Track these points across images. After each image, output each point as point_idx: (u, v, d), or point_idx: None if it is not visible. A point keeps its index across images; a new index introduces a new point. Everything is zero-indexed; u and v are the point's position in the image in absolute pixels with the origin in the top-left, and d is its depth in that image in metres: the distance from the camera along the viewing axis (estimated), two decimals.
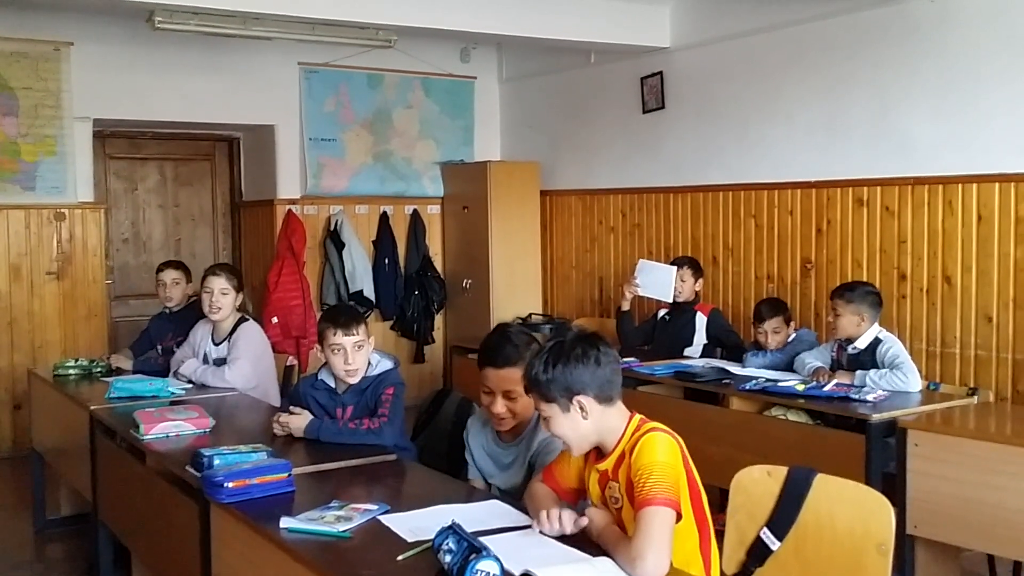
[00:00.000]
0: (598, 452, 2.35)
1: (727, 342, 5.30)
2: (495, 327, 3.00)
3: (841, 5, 5.50)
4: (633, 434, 2.27)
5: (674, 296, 5.51)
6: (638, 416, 2.33)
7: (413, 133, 7.83)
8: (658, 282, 5.58)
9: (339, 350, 3.33)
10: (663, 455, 2.17)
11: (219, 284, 4.43)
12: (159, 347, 4.95)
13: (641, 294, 5.69)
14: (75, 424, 4.12)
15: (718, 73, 6.30)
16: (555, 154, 7.64)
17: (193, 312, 4.84)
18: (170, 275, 5.03)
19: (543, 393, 2.28)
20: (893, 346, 4.23)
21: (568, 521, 2.20)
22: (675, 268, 5.60)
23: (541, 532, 2.24)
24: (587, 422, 2.27)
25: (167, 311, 5.07)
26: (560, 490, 2.46)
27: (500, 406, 2.81)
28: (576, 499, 2.47)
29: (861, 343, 4.29)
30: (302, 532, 2.33)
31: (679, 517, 2.14)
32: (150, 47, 6.58)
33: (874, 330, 4.31)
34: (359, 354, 3.36)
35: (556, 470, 2.48)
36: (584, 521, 2.22)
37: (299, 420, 3.26)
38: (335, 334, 3.32)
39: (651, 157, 6.80)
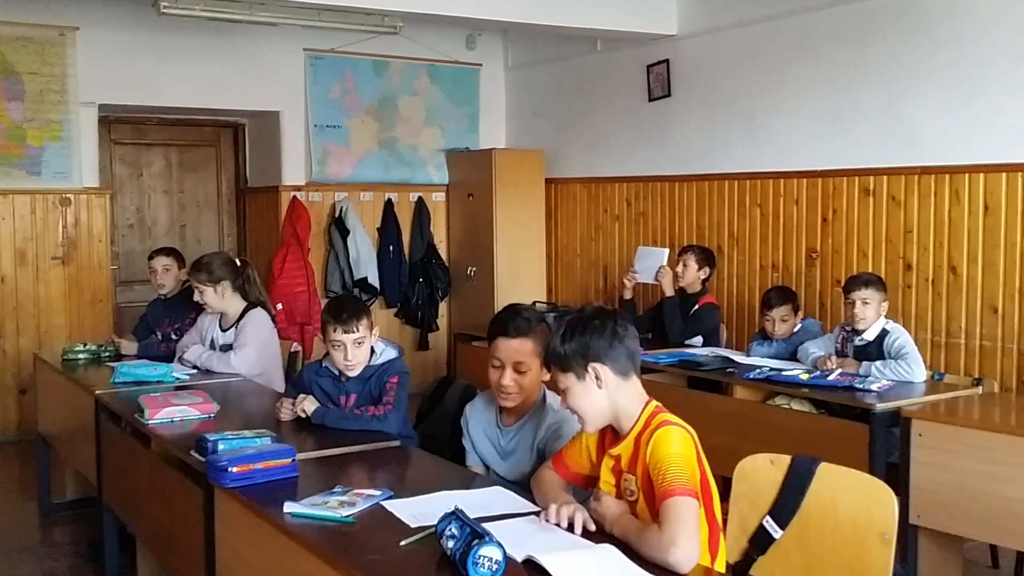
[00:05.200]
0: (613, 435, 2.34)
1: (693, 330, 5.27)
2: (506, 306, 3.01)
3: None
4: (648, 420, 2.27)
5: (677, 283, 5.47)
6: (655, 403, 2.34)
7: (418, 120, 7.82)
8: (651, 266, 5.57)
9: (339, 346, 3.33)
10: (678, 447, 2.17)
11: (195, 279, 4.42)
12: (158, 333, 4.95)
13: (640, 280, 5.68)
14: (80, 409, 4.14)
15: (725, 61, 6.28)
16: (560, 142, 7.62)
17: (189, 297, 4.83)
18: (161, 262, 5.02)
19: (561, 363, 2.30)
20: (900, 336, 4.22)
21: (579, 521, 2.18)
22: (666, 251, 5.58)
23: (548, 522, 2.23)
24: (602, 392, 2.28)
25: (162, 297, 5.08)
26: (570, 476, 2.46)
27: (509, 378, 2.81)
28: (586, 485, 2.47)
29: (869, 334, 4.29)
30: (306, 517, 2.34)
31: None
32: (156, 32, 6.57)
33: (881, 321, 4.30)
34: (359, 350, 3.35)
35: (567, 455, 2.48)
36: (592, 525, 2.20)
37: (311, 403, 3.27)
38: (335, 331, 3.32)
39: (657, 145, 6.78)
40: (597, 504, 2.23)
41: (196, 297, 4.45)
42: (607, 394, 2.28)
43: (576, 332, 2.28)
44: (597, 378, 2.27)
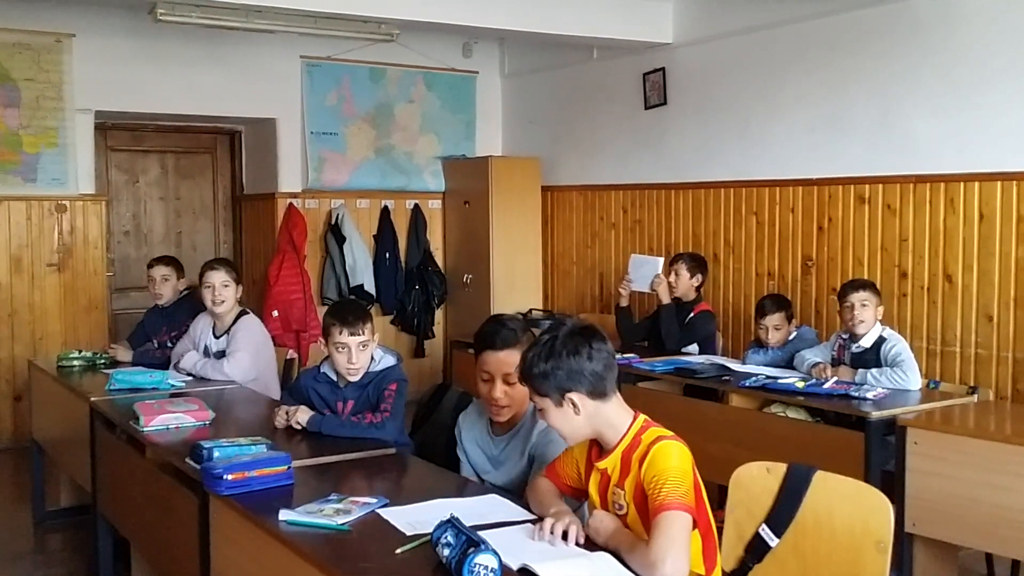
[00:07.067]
0: (600, 449, 2.34)
1: (689, 338, 5.28)
2: (489, 317, 3.01)
3: (844, 2, 5.49)
4: (637, 435, 2.26)
5: (670, 291, 5.47)
6: (643, 417, 2.32)
7: (415, 127, 7.83)
8: (646, 275, 5.57)
9: (343, 348, 3.34)
10: (677, 461, 2.17)
11: (219, 278, 4.44)
12: (155, 341, 4.95)
13: (634, 289, 5.68)
14: (75, 416, 4.13)
15: (720, 70, 6.30)
16: (556, 149, 7.63)
17: (187, 306, 4.85)
18: (159, 271, 5.02)
19: (535, 387, 2.29)
20: (897, 344, 4.23)
21: (572, 533, 2.17)
22: (660, 260, 5.59)
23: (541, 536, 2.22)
24: (580, 417, 2.27)
25: (160, 306, 5.07)
26: (561, 486, 2.45)
27: (499, 391, 2.81)
28: (577, 496, 2.46)
29: (866, 341, 4.29)
30: (301, 525, 2.33)
31: (694, 524, 2.14)
32: (152, 39, 6.57)
33: (878, 328, 4.31)
34: (363, 353, 3.36)
35: (559, 467, 2.47)
36: (583, 538, 2.19)
37: (304, 413, 3.27)
38: (340, 333, 3.32)
39: (653, 153, 6.79)
40: (591, 519, 2.23)
41: (216, 295, 4.41)
42: (585, 418, 2.28)
43: (551, 357, 2.25)
44: (574, 405, 2.26)
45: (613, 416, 2.30)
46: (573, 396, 2.25)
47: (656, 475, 2.14)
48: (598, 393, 2.27)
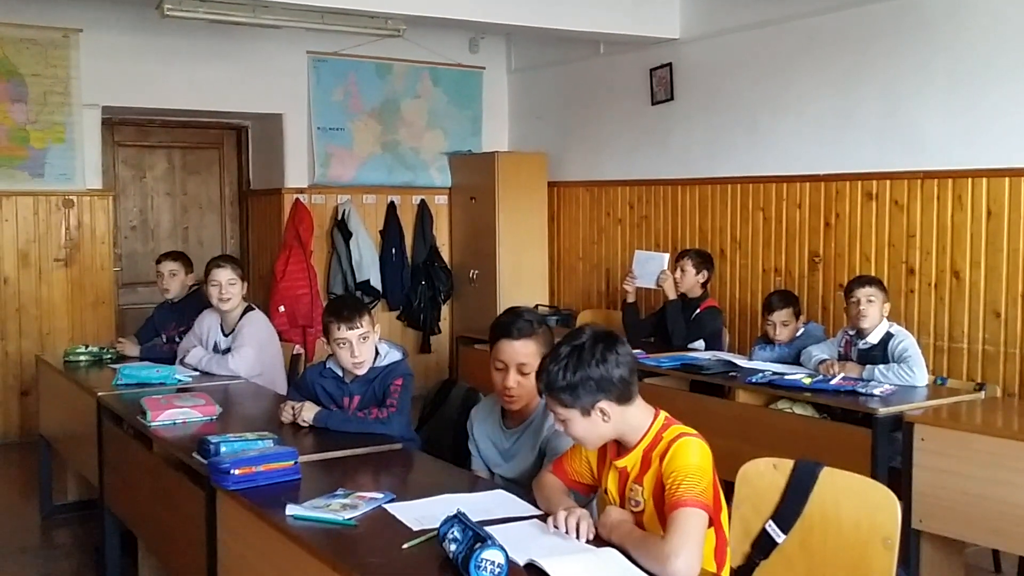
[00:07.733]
0: (618, 447, 2.33)
1: (696, 334, 5.28)
2: (506, 309, 3.01)
3: None
4: (659, 432, 2.25)
5: (676, 288, 5.45)
6: (664, 414, 2.31)
7: (421, 123, 7.82)
8: (652, 271, 5.56)
9: (344, 344, 3.33)
10: (697, 459, 2.16)
11: (226, 276, 4.45)
12: (163, 336, 4.98)
13: (639, 285, 5.67)
14: (82, 410, 4.14)
15: (728, 65, 6.28)
16: (563, 145, 7.63)
17: (196, 301, 4.86)
18: (167, 267, 5.03)
19: (561, 399, 2.24)
20: (904, 340, 4.21)
21: (583, 528, 2.17)
22: (666, 256, 5.58)
23: (555, 528, 2.21)
24: (607, 424, 2.25)
25: (170, 301, 5.08)
26: (570, 482, 2.45)
27: (513, 380, 2.81)
28: (587, 492, 2.46)
29: (873, 337, 4.28)
30: (308, 520, 2.34)
31: (710, 522, 2.13)
32: (159, 34, 6.58)
33: (885, 324, 4.30)
34: (364, 345, 3.36)
35: (567, 463, 2.46)
36: (592, 533, 2.18)
37: (310, 411, 3.27)
38: (339, 329, 3.32)
39: (659, 149, 6.78)
40: (603, 515, 2.22)
41: (223, 293, 4.43)
42: (612, 425, 2.26)
43: (579, 368, 2.21)
44: (603, 414, 2.23)
45: (637, 417, 2.28)
46: (602, 405, 2.22)
47: (675, 471, 2.13)
48: (625, 398, 2.25)
